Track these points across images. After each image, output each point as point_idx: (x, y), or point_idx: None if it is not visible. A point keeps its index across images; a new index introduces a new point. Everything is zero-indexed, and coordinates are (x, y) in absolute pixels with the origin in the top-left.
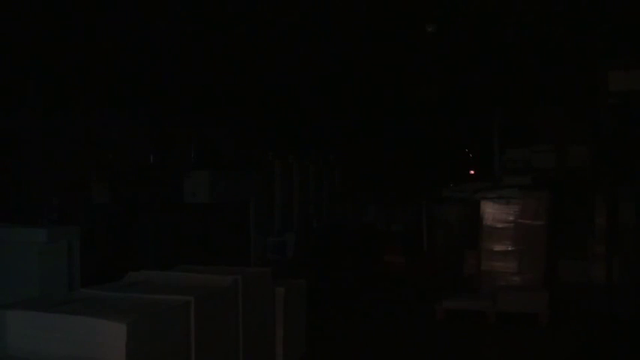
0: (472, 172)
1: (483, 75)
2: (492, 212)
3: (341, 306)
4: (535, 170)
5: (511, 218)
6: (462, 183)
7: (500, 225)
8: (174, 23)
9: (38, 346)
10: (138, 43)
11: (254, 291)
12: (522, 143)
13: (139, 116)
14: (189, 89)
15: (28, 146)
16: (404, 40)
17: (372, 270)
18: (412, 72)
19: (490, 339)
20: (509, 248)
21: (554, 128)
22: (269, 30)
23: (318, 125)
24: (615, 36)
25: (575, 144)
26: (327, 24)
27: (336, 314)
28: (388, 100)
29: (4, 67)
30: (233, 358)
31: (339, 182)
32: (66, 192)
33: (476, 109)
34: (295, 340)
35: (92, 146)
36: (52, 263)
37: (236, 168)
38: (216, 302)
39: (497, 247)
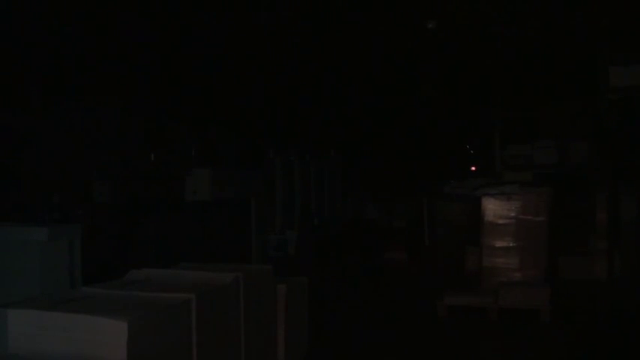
0: (473, 168)
1: (484, 71)
2: (493, 208)
3: (342, 303)
4: (536, 166)
5: (512, 214)
6: (464, 179)
7: (501, 221)
8: (174, 23)
9: (39, 345)
10: (139, 42)
11: (255, 288)
12: (523, 139)
13: (139, 115)
14: (190, 87)
15: (29, 145)
16: (404, 36)
17: (374, 266)
18: (413, 69)
19: (492, 335)
20: (511, 244)
21: (555, 124)
22: (269, 28)
23: (319, 122)
24: (616, 31)
25: (576, 140)
26: (327, 21)
27: (338, 311)
28: (389, 96)
29: (5, 66)
30: (234, 356)
31: (340, 179)
32: (67, 191)
33: (477, 106)
34: (297, 338)
35: (93, 145)
36: (53, 262)
37: (237, 166)
38: (218, 300)
39: (499, 243)
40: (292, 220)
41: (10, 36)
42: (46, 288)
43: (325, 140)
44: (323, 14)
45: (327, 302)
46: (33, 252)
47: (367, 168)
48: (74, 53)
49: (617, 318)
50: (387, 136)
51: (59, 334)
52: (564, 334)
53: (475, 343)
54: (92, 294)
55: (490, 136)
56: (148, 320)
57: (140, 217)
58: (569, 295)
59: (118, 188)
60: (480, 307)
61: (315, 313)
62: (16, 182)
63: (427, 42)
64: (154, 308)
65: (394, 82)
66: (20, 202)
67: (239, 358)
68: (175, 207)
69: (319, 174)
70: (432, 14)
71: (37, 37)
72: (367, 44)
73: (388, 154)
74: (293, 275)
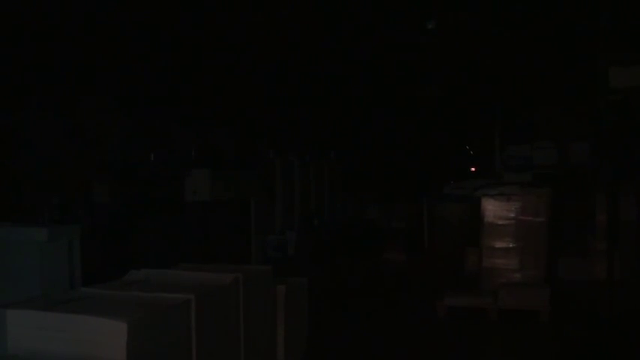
0: (473, 169)
1: (484, 72)
2: (493, 209)
3: (342, 303)
4: (536, 167)
5: (512, 215)
6: (463, 180)
7: (501, 222)
8: (173, 23)
9: (39, 345)
10: (138, 42)
11: (255, 289)
12: (523, 140)
13: (139, 115)
14: (190, 88)
15: (29, 146)
16: (405, 37)
17: (373, 267)
18: (413, 69)
19: (491, 336)
20: (511, 245)
21: (554, 125)
22: (270, 28)
23: (318, 122)
24: (615, 31)
25: (576, 140)
26: (327, 22)
27: (337, 312)
28: (389, 97)
29: (5, 66)
30: (234, 356)
31: (339, 179)
32: (67, 191)
33: (477, 107)
34: (296, 338)
35: (93, 145)
36: (53, 262)
37: (237, 166)
38: (217, 300)
39: (499, 244)
40: (292, 221)
41: (12, 35)
42: (46, 288)
43: (325, 141)
44: (323, 14)
45: (326, 302)
46: (33, 252)
47: (367, 168)
48: (74, 52)
49: (617, 318)
50: (388, 136)
51: (59, 335)
52: (564, 335)
53: (475, 344)
54: (92, 294)
55: (490, 137)
56: (147, 320)
57: (140, 217)
58: (569, 296)
59: (118, 188)
60: (480, 307)
61: (314, 313)
62: (16, 182)
63: (428, 43)
64: (154, 308)
65: (395, 82)
66: (20, 202)
67: (239, 358)
68: (175, 207)
69: (319, 174)
70: (432, 14)
71: (39, 37)
72: (369, 44)
73: (388, 154)
74: (293, 275)
